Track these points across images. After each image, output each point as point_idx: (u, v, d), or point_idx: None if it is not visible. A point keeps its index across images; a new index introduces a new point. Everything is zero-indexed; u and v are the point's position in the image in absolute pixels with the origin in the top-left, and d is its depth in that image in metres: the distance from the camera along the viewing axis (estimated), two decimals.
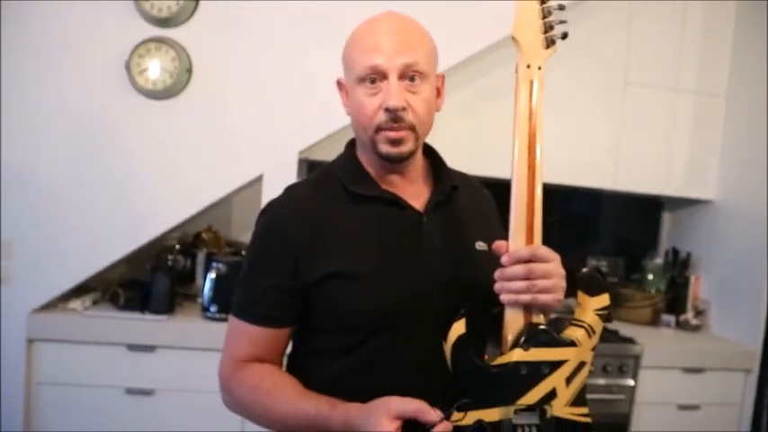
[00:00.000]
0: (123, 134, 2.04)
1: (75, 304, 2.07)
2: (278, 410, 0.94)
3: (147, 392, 2.02)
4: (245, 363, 1.00)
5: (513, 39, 0.93)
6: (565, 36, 0.92)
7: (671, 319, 2.67)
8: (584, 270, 0.95)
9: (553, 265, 0.91)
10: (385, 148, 0.96)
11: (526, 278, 0.89)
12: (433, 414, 0.82)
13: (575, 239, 3.05)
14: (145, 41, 1.98)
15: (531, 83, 0.93)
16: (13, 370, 1.99)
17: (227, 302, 2.07)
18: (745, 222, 2.54)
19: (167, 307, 2.12)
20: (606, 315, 0.95)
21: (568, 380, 0.91)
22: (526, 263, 0.89)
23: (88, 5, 1.97)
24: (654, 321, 2.70)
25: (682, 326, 2.67)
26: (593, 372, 2.29)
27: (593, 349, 0.94)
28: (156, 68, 1.99)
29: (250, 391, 0.97)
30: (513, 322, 0.91)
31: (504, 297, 0.90)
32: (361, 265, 0.96)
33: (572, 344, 0.91)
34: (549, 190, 3.02)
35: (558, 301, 0.91)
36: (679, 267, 2.81)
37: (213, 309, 2.10)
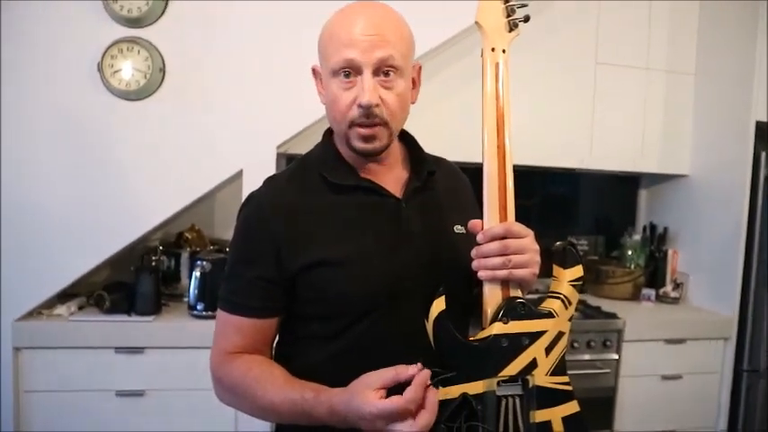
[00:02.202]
0: (101, 137, 2.03)
1: (61, 310, 2.07)
2: (266, 399, 0.95)
3: (137, 394, 2.03)
4: (234, 354, 1.02)
5: (477, 24, 0.96)
6: (527, 19, 0.95)
7: (651, 292, 2.73)
8: (558, 244, 0.98)
9: (527, 241, 0.93)
10: (358, 144, 0.98)
11: (502, 254, 0.91)
12: (410, 369, 0.83)
13: (555, 220, 3.10)
14: (116, 42, 1.97)
15: (497, 65, 0.95)
16: (1, 380, 1.98)
17: (213, 300, 2.09)
18: (719, 195, 2.60)
19: (153, 308, 2.12)
20: (581, 286, 0.98)
21: (548, 350, 0.93)
22: (501, 239, 0.92)
23: (57, 8, 1.95)
24: (635, 296, 2.76)
25: (661, 299, 2.74)
26: (577, 347, 2.34)
27: (570, 319, 0.97)
28: (128, 69, 1.98)
29: (238, 381, 0.99)
30: (492, 298, 0.93)
31: (481, 274, 0.92)
32: (343, 252, 0.98)
33: (549, 315, 0.94)
34: (528, 173, 3.05)
35: (533, 275, 0.94)
36: (657, 242, 2.87)
37: (200, 307, 2.11)
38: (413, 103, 1.04)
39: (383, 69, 0.94)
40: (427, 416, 0.83)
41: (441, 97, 2.41)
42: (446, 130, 2.21)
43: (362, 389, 0.84)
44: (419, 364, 0.83)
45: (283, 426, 1.08)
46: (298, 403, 0.91)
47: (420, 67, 1.05)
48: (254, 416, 1.02)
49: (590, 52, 2.61)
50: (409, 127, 1.09)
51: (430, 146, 1.14)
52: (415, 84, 1.04)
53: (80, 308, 2.15)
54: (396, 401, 0.81)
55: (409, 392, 0.81)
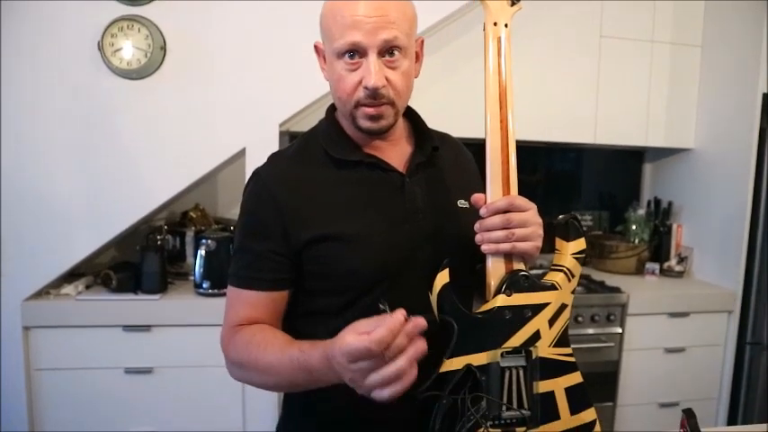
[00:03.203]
0: (104, 116, 2.02)
1: (68, 289, 2.09)
2: (267, 360, 0.94)
3: (145, 371, 2.06)
4: (242, 326, 1.02)
5: None
6: None
7: (655, 266, 2.74)
8: (561, 217, 0.98)
9: (530, 214, 0.94)
10: (365, 123, 0.97)
11: (505, 227, 0.92)
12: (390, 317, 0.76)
13: (559, 196, 3.10)
14: (116, 21, 1.96)
15: (499, 40, 0.95)
16: (12, 359, 2.02)
17: (218, 278, 2.11)
18: (725, 169, 2.58)
19: (160, 286, 2.14)
20: (583, 259, 0.98)
21: (551, 322, 0.94)
22: (504, 213, 0.92)
23: None
24: (639, 270, 2.77)
25: (666, 273, 2.75)
26: (581, 322, 2.36)
27: (573, 292, 0.98)
28: (129, 48, 1.97)
29: (243, 348, 0.98)
30: (496, 271, 0.94)
31: (484, 247, 0.93)
32: (348, 227, 0.98)
33: (552, 287, 0.95)
34: (532, 148, 3.04)
35: (536, 248, 0.95)
36: (661, 216, 2.87)
37: (205, 285, 2.12)
38: (416, 77, 1.03)
39: (388, 50, 0.94)
40: (402, 361, 0.76)
41: (443, 73, 2.39)
42: (449, 106, 2.19)
43: (349, 332, 0.79)
44: (401, 310, 0.77)
45: (290, 395, 1.10)
46: (295, 357, 0.89)
47: (422, 41, 1.04)
48: (256, 382, 1.00)
49: (594, 25, 2.58)
50: (412, 103, 1.08)
51: (433, 122, 1.14)
52: (419, 57, 1.04)
53: (87, 287, 2.18)
54: (360, 339, 0.75)
55: (376, 333, 0.74)
